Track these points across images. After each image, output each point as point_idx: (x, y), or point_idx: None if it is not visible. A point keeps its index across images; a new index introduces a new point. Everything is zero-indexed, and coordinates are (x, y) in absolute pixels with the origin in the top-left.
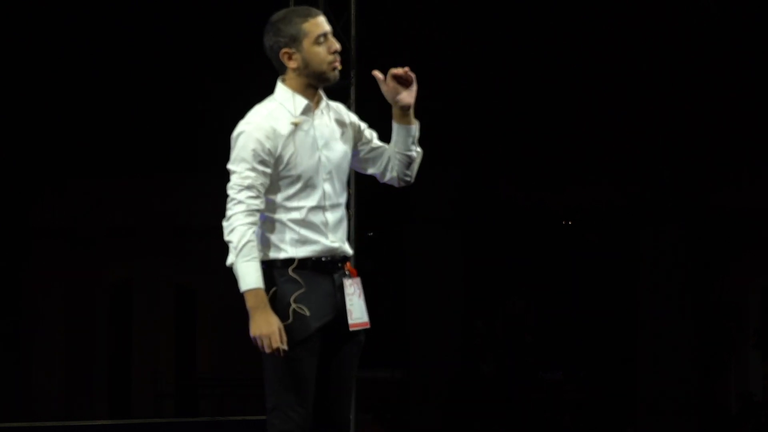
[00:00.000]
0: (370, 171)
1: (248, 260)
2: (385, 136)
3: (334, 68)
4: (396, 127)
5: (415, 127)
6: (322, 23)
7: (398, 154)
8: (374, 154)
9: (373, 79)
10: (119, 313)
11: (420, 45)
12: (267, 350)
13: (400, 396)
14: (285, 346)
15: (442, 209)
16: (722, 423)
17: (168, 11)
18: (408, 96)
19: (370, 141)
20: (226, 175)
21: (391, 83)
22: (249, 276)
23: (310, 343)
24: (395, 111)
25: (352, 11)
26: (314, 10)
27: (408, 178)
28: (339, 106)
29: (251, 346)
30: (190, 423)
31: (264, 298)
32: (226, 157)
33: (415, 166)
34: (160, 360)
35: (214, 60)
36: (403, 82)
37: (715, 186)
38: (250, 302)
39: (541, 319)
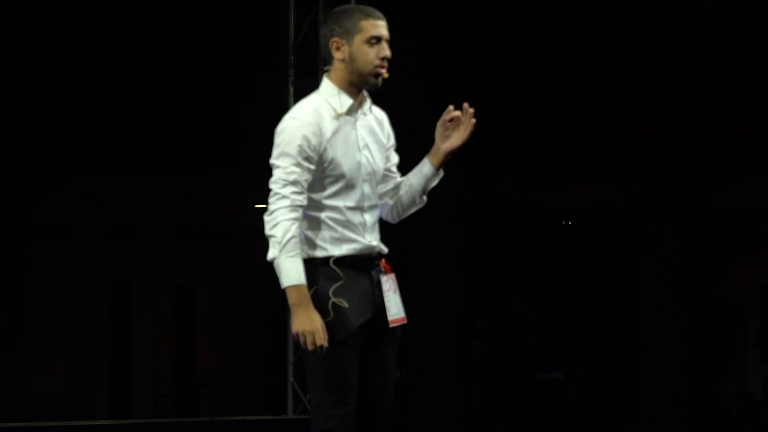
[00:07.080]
0: None
1: (292, 256)
2: None
3: (378, 74)
4: (425, 165)
5: (440, 174)
6: (380, 26)
7: (410, 190)
8: (385, 177)
9: None
10: (119, 313)
11: (419, 44)
12: (310, 347)
13: (400, 396)
14: (327, 344)
15: (442, 209)
16: (722, 423)
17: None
18: (457, 140)
19: (389, 162)
20: (227, 176)
21: (447, 122)
22: (292, 272)
23: (352, 342)
24: (435, 148)
25: None
26: (378, 12)
27: (397, 217)
28: (382, 113)
29: (251, 346)
30: (190, 423)
31: (307, 295)
32: (226, 158)
33: (411, 211)
34: (160, 360)
35: (214, 61)
36: (456, 126)
37: (715, 186)
38: (292, 298)
39: (541, 319)
